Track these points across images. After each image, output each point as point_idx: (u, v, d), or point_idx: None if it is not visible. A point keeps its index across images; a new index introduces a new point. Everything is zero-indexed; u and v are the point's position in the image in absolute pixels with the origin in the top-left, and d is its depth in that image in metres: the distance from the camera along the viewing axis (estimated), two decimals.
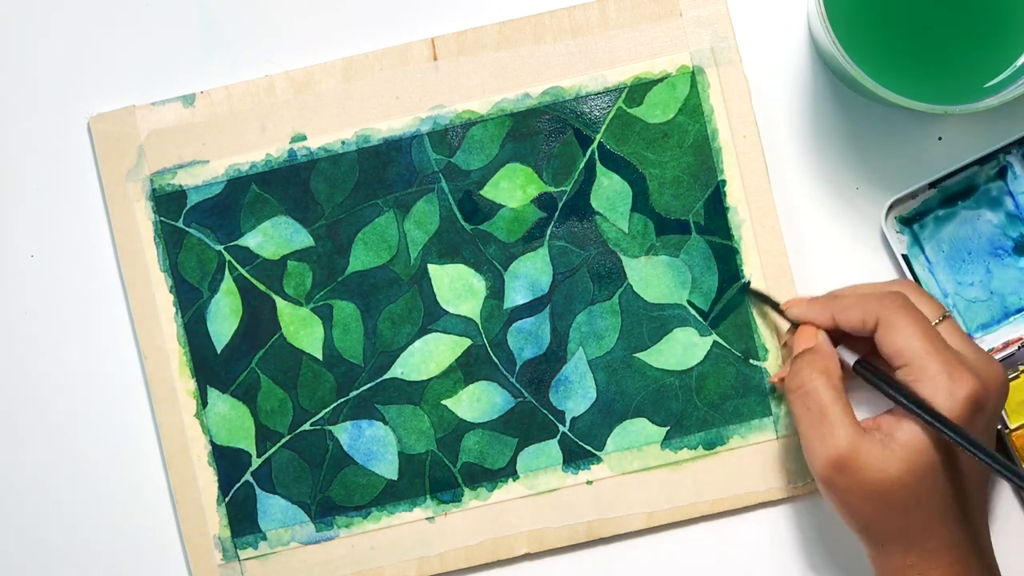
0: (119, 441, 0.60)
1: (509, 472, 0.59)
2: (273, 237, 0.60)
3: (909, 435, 0.50)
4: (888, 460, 0.50)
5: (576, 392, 0.60)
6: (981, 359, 0.52)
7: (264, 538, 0.60)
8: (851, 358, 0.53)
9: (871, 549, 0.52)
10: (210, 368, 0.60)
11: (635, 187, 0.60)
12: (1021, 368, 0.59)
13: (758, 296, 0.59)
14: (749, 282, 0.59)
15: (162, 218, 0.60)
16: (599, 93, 0.60)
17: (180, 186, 0.60)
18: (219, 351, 0.60)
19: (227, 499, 0.60)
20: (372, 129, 0.60)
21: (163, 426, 0.60)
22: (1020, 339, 0.59)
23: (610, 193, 0.60)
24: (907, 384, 0.50)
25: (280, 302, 0.60)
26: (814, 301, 0.55)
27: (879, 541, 0.51)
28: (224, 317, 0.60)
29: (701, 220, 0.59)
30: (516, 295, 0.60)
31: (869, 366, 0.53)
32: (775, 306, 0.58)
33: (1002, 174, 0.60)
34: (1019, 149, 0.59)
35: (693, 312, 0.59)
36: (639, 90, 0.60)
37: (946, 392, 0.49)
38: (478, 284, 0.60)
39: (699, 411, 0.59)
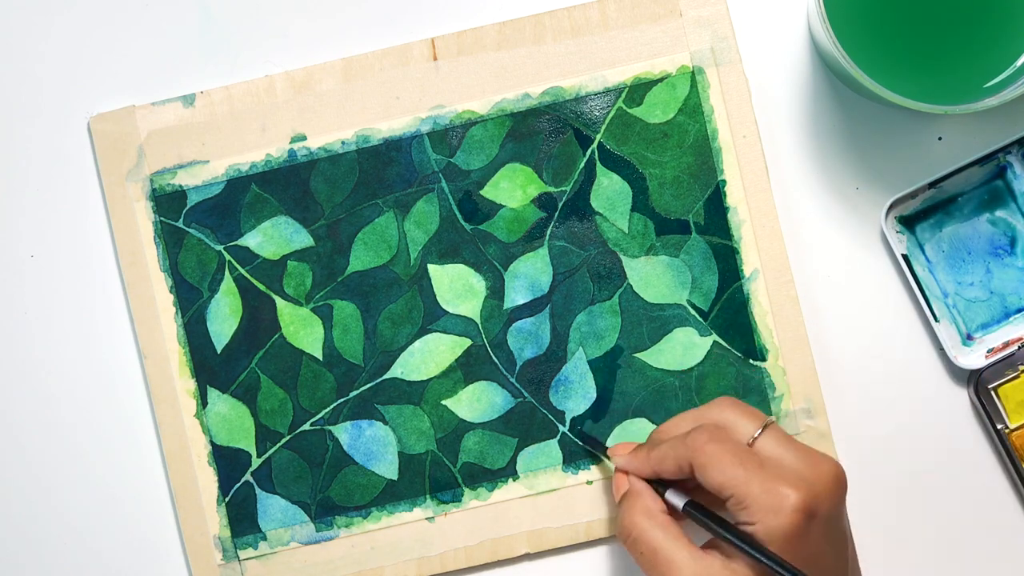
0: (119, 441, 0.60)
1: (509, 472, 0.60)
2: (273, 237, 0.60)
3: (744, 561, 0.50)
4: None
5: (576, 392, 0.60)
6: (808, 464, 0.50)
7: (264, 538, 0.60)
8: (680, 501, 0.52)
9: None
10: (210, 368, 0.60)
11: (635, 187, 0.60)
12: (1021, 368, 0.59)
13: (586, 440, 0.59)
14: (581, 429, 0.59)
15: (162, 218, 0.60)
16: (599, 93, 0.60)
17: (180, 186, 0.60)
18: (219, 351, 0.60)
19: (227, 499, 0.60)
20: (372, 129, 0.60)
21: (163, 426, 0.60)
22: (1020, 339, 0.59)
23: (610, 193, 0.60)
24: (733, 515, 0.50)
25: (280, 302, 0.60)
26: (635, 452, 0.54)
27: None
28: (224, 317, 0.60)
29: (701, 220, 0.59)
30: (516, 295, 0.60)
31: (698, 506, 0.52)
32: (603, 451, 0.58)
33: (1002, 174, 0.60)
34: (1019, 149, 0.59)
35: (693, 312, 0.59)
36: (639, 90, 0.60)
37: (772, 510, 0.48)
38: (478, 284, 0.60)
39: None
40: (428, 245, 0.60)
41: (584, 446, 0.59)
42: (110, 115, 0.60)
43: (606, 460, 0.59)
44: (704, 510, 0.52)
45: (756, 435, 0.51)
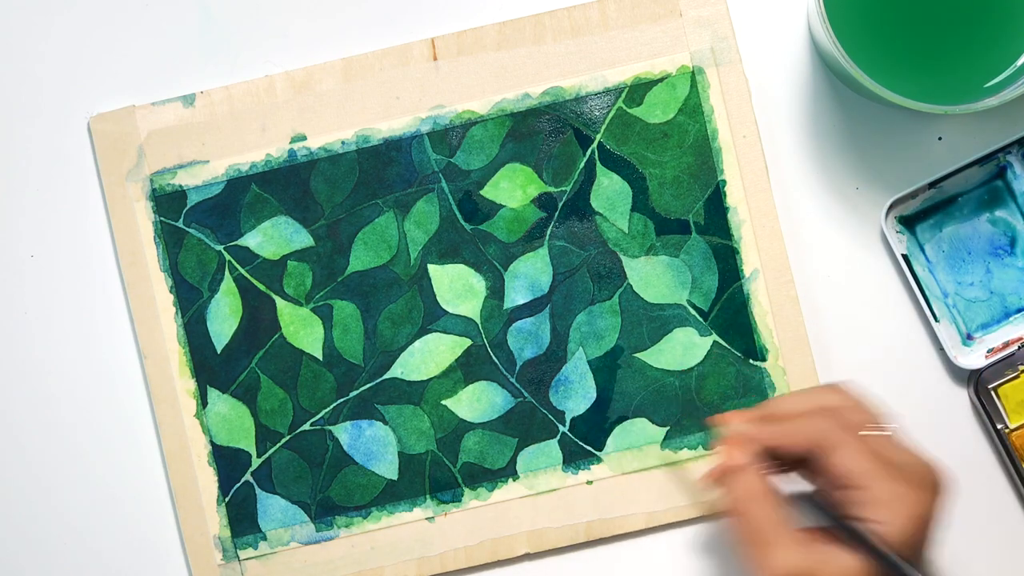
0: (119, 441, 0.60)
1: (509, 472, 0.59)
2: (273, 237, 0.60)
3: (849, 557, 0.49)
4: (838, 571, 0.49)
5: (576, 392, 0.60)
6: (920, 467, 0.50)
7: (264, 538, 0.60)
8: (805, 495, 0.52)
9: None
10: (210, 368, 0.60)
11: (635, 187, 0.60)
12: (1021, 368, 0.59)
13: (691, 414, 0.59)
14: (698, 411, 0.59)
15: (162, 218, 0.60)
16: (599, 93, 0.60)
17: (180, 186, 0.60)
18: (219, 351, 0.60)
19: (227, 499, 0.60)
20: (372, 129, 0.60)
21: (163, 426, 0.60)
22: (1020, 339, 0.59)
23: (610, 193, 0.60)
24: (846, 508, 0.49)
25: (280, 302, 0.60)
26: (753, 421, 0.53)
27: None
28: (224, 317, 0.60)
29: (701, 220, 0.59)
30: (516, 295, 0.60)
31: (822, 500, 0.51)
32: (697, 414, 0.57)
33: (1002, 174, 0.60)
34: (1019, 149, 0.59)
35: (693, 312, 0.59)
36: (639, 90, 0.60)
37: (894, 513, 0.48)
38: (478, 284, 0.60)
39: (699, 411, 0.59)
40: (428, 245, 0.60)
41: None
42: (110, 115, 0.60)
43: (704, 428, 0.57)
44: (829, 505, 0.51)
45: (879, 432, 0.51)
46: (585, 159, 0.60)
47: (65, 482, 0.60)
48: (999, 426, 0.59)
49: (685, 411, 0.59)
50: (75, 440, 0.61)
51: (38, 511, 0.61)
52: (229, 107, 0.60)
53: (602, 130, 0.60)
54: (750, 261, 0.59)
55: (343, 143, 0.60)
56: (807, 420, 0.51)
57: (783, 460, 0.52)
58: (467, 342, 0.60)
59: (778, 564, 0.49)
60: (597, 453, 0.59)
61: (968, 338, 0.60)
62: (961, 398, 0.60)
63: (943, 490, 0.50)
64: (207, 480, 0.60)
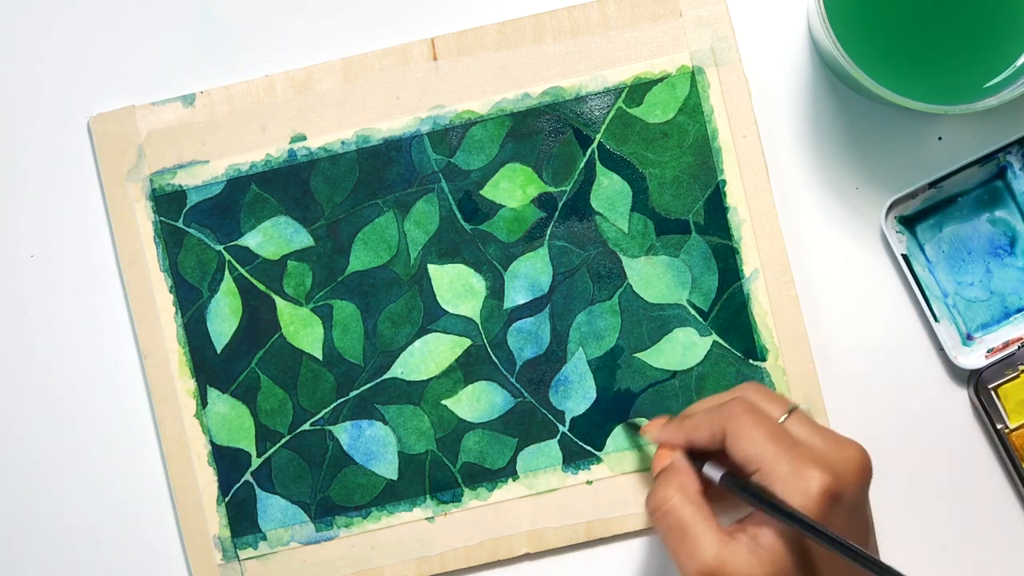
0: (119, 441, 0.60)
1: (509, 472, 0.60)
2: (273, 237, 0.60)
3: (771, 537, 0.49)
4: (754, 565, 0.49)
5: (576, 392, 0.60)
6: (834, 448, 0.50)
7: (264, 538, 0.60)
8: (717, 473, 0.52)
9: None
10: (210, 368, 0.60)
11: (635, 187, 0.60)
12: (1021, 368, 0.59)
13: (629, 427, 0.59)
14: (633, 422, 0.59)
15: (162, 218, 0.60)
16: (599, 93, 0.60)
17: (180, 186, 0.60)
18: (219, 351, 0.60)
19: (227, 499, 0.60)
20: (372, 129, 0.60)
21: (163, 426, 0.60)
22: (1020, 339, 0.59)
23: (610, 193, 0.60)
24: (764, 487, 0.50)
25: (280, 302, 0.60)
26: (669, 423, 0.54)
27: None
28: (224, 317, 0.60)
29: (701, 220, 0.59)
30: (516, 295, 0.60)
31: (735, 479, 0.52)
32: (635, 430, 0.58)
33: (1002, 174, 0.60)
34: (1019, 149, 0.59)
35: (693, 312, 0.59)
36: (639, 90, 0.60)
37: (797, 492, 0.48)
38: (478, 284, 0.60)
39: (633, 425, 0.59)
40: (428, 245, 0.60)
41: (629, 434, 0.59)
42: (110, 115, 0.60)
43: (638, 440, 0.58)
44: (741, 481, 0.51)
45: (783, 419, 0.51)
46: (585, 159, 0.60)
47: (65, 482, 0.61)
48: (999, 426, 0.59)
49: (624, 427, 0.60)
50: (75, 440, 0.61)
51: (38, 511, 0.61)
52: (229, 107, 0.60)
53: (602, 130, 0.60)
54: (750, 261, 0.59)
55: (343, 143, 0.60)
56: (712, 411, 0.52)
57: (706, 456, 0.53)
58: (467, 342, 0.60)
59: (698, 558, 0.50)
60: (597, 453, 0.59)
61: (968, 338, 0.60)
62: (961, 398, 0.60)
63: (857, 469, 0.50)
64: (207, 480, 0.60)
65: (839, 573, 0.50)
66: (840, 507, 0.49)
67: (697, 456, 0.53)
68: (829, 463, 0.49)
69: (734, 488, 0.51)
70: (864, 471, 0.50)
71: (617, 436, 0.59)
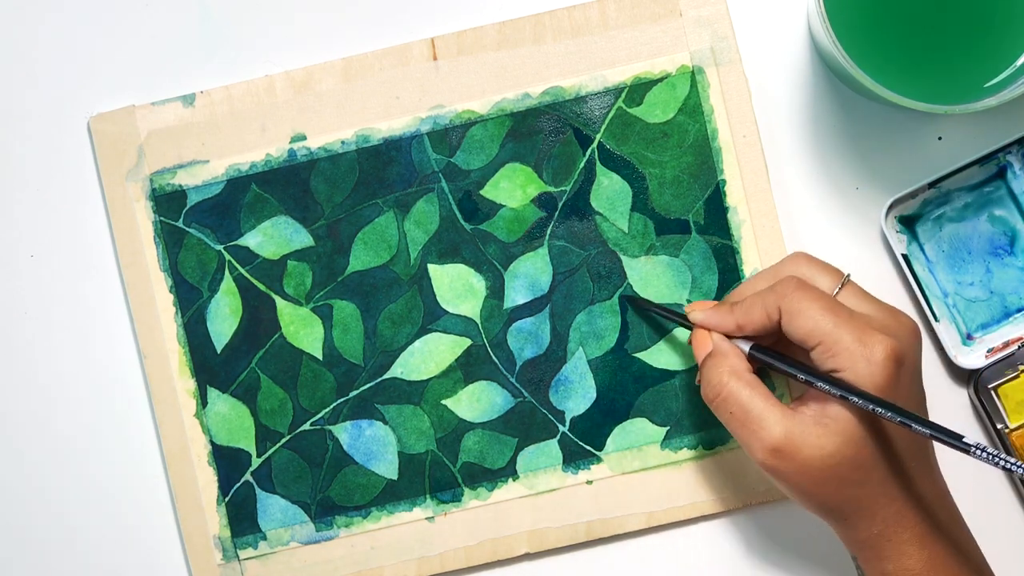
0: (119, 441, 0.60)
1: (509, 472, 0.59)
2: (273, 237, 0.60)
3: (838, 408, 0.50)
4: (824, 436, 0.49)
5: (576, 392, 0.60)
6: (889, 315, 0.51)
7: (264, 538, 0.60)
8: (744, 346, 0.53)
9: (836, 526, 0.52)
10: (210, 368, 0.60)
11: (635, 187, 0.60)
12: (1021, 368, 0.59)
13: (647, 304, 0.59)
14: (632, 295, 0.59)
15: (162, 218, 0.60)
16: (599, 93, 0.60)
17: (180, 186, 0.60)
18: (219, 351, 0.60)
19: (227, 499, 0.60)
20: (372, 129, 0.60)
21: (163, 426, 0.60)
22: (1020, 339, 0.59)
23: (610, 193, 0.60)
24: (820, 365, 0.50)
25: (280, 302, 0.60)
26: (717, 307, 0.54)
27: (840, 516, 0.51)
28: (224, 317, 0.60)
29: (701, 220, 0.59)
30: (516, 295, 0.60)
31: (765, 350, 0.52)
32: (673, 314, 0.57)
33: (1002, 174, 0.60)
34: (1019, 149, 0.59)
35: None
36: (639, 90, 0.60)
37: (863, 359, 0.49)
38: (478, 284, 0.60)
39: (699, 411, 0.59)
40: (428, 245, 0.60)
41: (649, 311, 0.59)
42: (110, 115, 0.60)
43: (675, 323, 0.57)
44: (775, 353, 0.51)
45: (837, 290, 0.52)
46: (585, 159, 0.60)
47: (65, 482, 0.60)
48: (999, 426, 0.59)
49: (627, 300, 0.59)
50: (75, 440, 0.61)
51: (38, 511, 0.61)
52: (229, 107, 0.60)
53: (602, 130, 0.60)
54: (750, 261, 0.59)
55: (343, 143, 0.60)
56: (765, 292, 0.52)
57: (757, 339, 0.53)
58: (467, 342, 0.60)
59: (766, 436, 0.50)
60: (597, 453, 0.59)
61: (968, 338, 0.60)
62: (961, 398, 0.60)
63: (913, 334, 0.51)
64: (207, 480, 0.60)
65: (906, 441, 0.50)
66: (904, 371, 0.50)
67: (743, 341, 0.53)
68: (889, 329, 0.50)
69: (769, 361, 0.51)
70: (919, 336, 0.52)
71: (617, 436, 0.59)
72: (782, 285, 0.51)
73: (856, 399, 0.49)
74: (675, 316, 0.57)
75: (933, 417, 0.60)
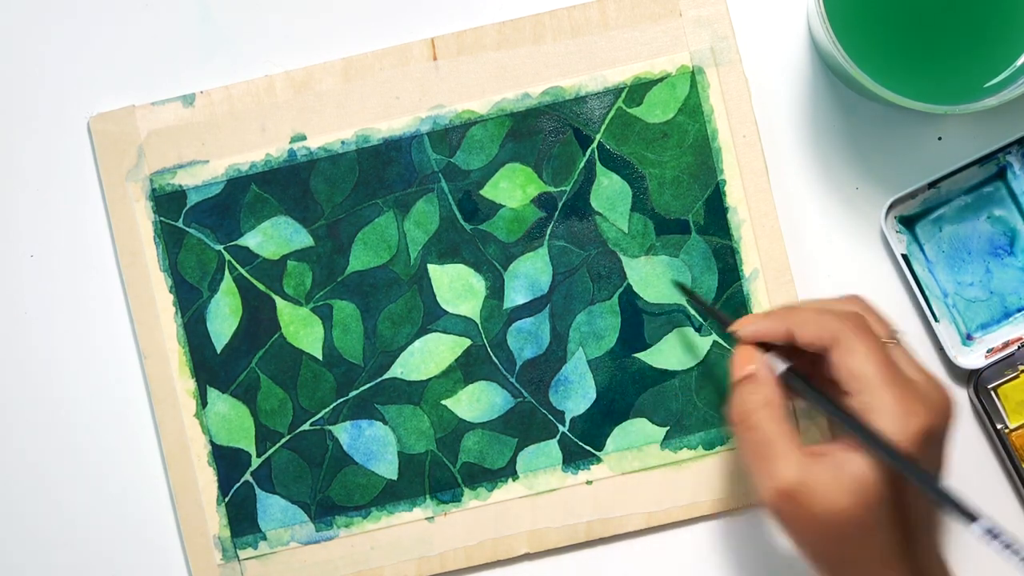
0: (119, 441, 0.60)
1: (509, 472, 0.60)
2: (273, 237, 0.60)
3: (859, 466, 0.48)
4: (839, 492, 0.47)
5: (576, 392, 0.60)
6: (931, 386, 0.50)
7: (264, 538, 0.60)
8: (780, 365, 0.51)
9: None
10: (210, 368, 0.60)
11: (635, 187, 0.60)
12: (1021, 368, 0.59)
13: (694, 297, 0.58)
14: (683, 285, 0.59)
15: (162, 218, 0.60)
16: (599, 93, 0.60)
17: (180, 186, 0.60)
18: (219, 351, 0.60)
19: (227, 499, 0.60)
20: (372, 129, 0.60)
21: (163, 426, 0.60)
22: (1020, 339, 0.59)
23: (610, 193, 0.60)
24: (857, 412, 0.48)
25: (280, 302, 0.60)
26: (769, 313, 0.52)
27: (830, 572, 0.49)
28: (224, 317, 0.60)
29: (701, 220, 0.59)
30: (516, 295, 0.60)
31: (801, 375, 0.50)
32: (717, 314, 0.57)
33: (1001, 174, 0.60)
34: (1019, 149, 0.59)
35: (693, 312, 0.59)
36: (639, 90, 0.60)
37: (899, 425, 0.47)
38: (478, 284, 0.60)
39: (699, 411, 0.59)
40: (428, 245, 0.60)
41: (700, 306, 0.58)
42: (110, 115, 0.60)
43: (715, 320, 0.56)
44: (825, 393, 0.49)
45: (888, 343, 0.50)
46: (585, 159, 0.60)
47: (65, 482, 0.60)
48: (999, 426, 0.59)
49: (676, 284, 0.59)
50: (75, 440, 0.61)
51: (38, 511, 0.61)
52: (229, 107, 0.60)
53: (602, 130, 0.60)
54: (750, 261, 0.59)
55: (343, 143, 0.60)
56: (828, 313, 0.50)
57: (796, 356, 0.51)
58: (467, 342, 0.60)
59: (780, 476, 0.48)
60: (597, 453, 0.59)
61: (968, 338, 0.60)
62: (961, 398, 0.60)
63: (950, 410, 0.50)
64: (207, 480, 0.60)
65: (920, 512, 0.49)
66: (934, 448, 0.48)
67: (767, 351, 0.51)
68: (929, 401, 0.49)
69: (831, 412, 0.49)
70: (953, 415, 0.50)
71: (617, 436, 0.59)
72: (850, 319, 0.50)
73: (881, 451, 0.47)
74: (718, 315, 0.57)
75: None
